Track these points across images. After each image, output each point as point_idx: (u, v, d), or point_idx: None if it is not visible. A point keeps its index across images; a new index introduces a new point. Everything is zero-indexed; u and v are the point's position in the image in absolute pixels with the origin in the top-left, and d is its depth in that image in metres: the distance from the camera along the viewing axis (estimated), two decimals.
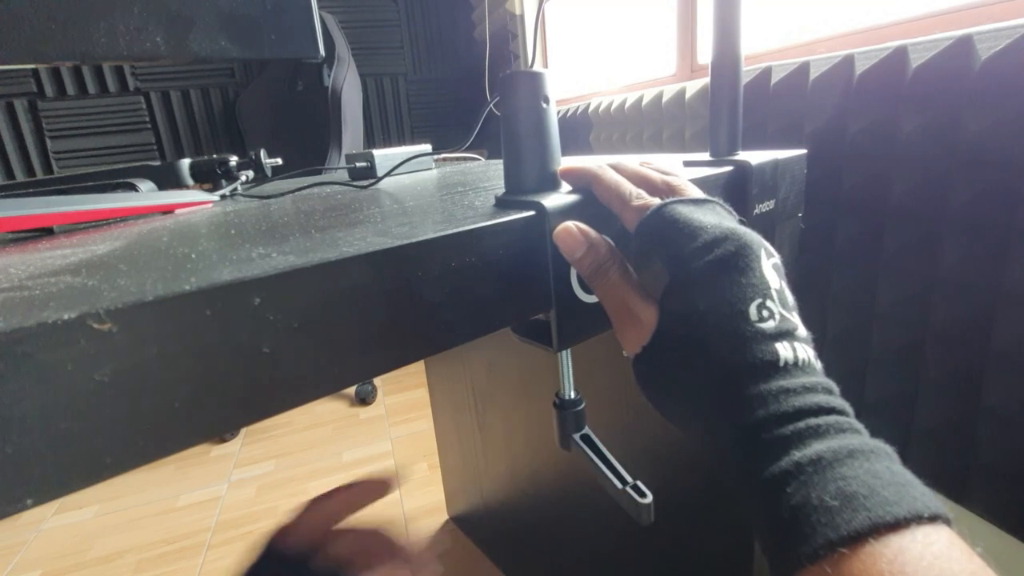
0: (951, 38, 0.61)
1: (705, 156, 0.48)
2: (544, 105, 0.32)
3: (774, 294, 0.24)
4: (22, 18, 0.35)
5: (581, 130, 1.52)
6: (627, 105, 1.26)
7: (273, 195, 0.56)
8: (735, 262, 0.25)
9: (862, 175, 0.73)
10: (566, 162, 0.34)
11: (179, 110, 2.09)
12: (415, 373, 1.95)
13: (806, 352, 0.23)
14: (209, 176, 0.63)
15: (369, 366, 0.24)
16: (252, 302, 0.20)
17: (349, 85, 1.69)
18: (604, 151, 1.42)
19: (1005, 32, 0.57)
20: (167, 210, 0.48)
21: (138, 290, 0.19)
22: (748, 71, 0.88)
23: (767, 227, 0.46)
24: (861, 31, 0.86)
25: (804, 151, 0.49)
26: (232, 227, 0.35)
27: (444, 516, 1.24)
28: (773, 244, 0.27)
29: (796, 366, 0.23)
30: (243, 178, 0.64)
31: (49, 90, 1.92)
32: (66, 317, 0.17)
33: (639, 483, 0.34)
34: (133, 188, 0.53)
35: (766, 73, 0.86)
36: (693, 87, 1.05)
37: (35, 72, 1.89)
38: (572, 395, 0.38)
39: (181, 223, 0.40)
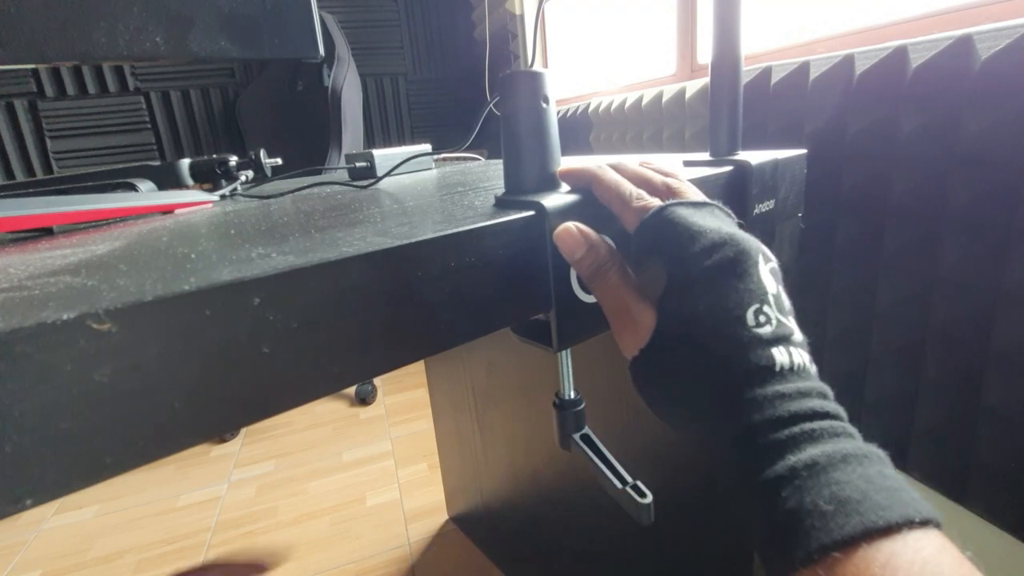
0: (951, 38, 0.61)
1: (705, 156, 0.48)
2: (544, 105, 0.32)
3: (771, 299, 0.25)
4: (22, 18, 0.35)
5: (581, 130, 1.52)
6: (627, 105, 1.26)
7: (273, 195, 0.56)
8: (733, 267, 0.25)
9: (862, 175, 0.73)
10: (566, 162, 0.34)
11: (179, 110, 2.09)
12: (415, 373, 1.95)
13: (801, 357, 0.24)
14: (209, 176, 0.63)
15: (369, 366, 0.24)
16: (252, 302, 0.20)
17: (349, 85, 1.69)
18: (604, 151, 1.42)
19: (1005, 32, 0.57)
20: (167, 210, 0.48)
21: (138, 290, 0.19)
22: (748, 71, 0.88)
23: (767, 227, 0.46)
24: (861, 31, 0.86)
25: (804, 151, 0.49)
26: (232, 227, 0.35)
27: (444, 516, 1.24)
28: (773, 244, 0.27)
29: (792, 371, 0.23)
30: (243, 178, 0.64)
31: (49, 90, 1.92)
32: (65, 317, 0.17)
33: (639, 483, 0.34)
34: (133, 188, 0.53)
35: (766, 73, 0.86)
36: (693, 87, 1.05)
37: (35, 72, 1.89)
38: (572, 395, 0.38)
39: (181, 223, 0.40)
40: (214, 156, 0.63)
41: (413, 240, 0.25)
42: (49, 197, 0.40)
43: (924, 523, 0.18)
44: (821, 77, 0.76)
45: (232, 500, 1.37)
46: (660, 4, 1.35)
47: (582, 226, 0.29)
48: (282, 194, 0.57)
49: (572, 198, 0.31)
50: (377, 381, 1.95)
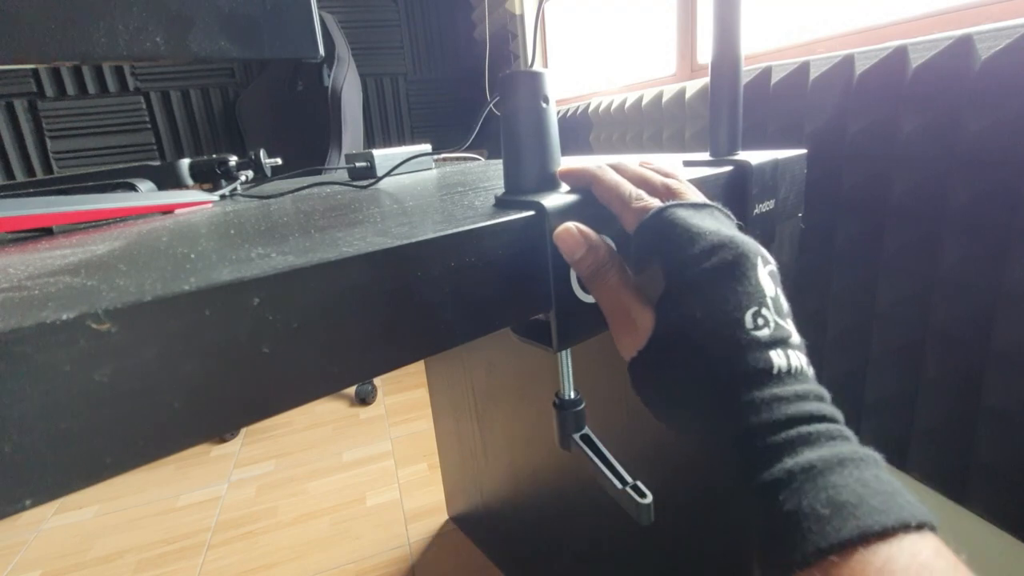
0: (951, 38, 0.61)
1: (705, 156, 0.48)
2: (544, 105, 0.32)
3: (769, 302, 0.25)
4: (22, 18, 0.35)
5: (581, 130, 1.52)
6: (627, 105, 1.26)
7: (273, 195, 0.56)
8: (732, 270, 0.25)
9: (862, 175, 0.73)
10: (566, 162, 0.34)
11: (179, 110, 2.09)
12: (415, 373, 1.95)
13: (799, 359, 0.24)
14: (209, 176, 0.63)
15: (369, 366, 0.24)
16: (251, 302, 0.20)
17: (349, 85, 1.69)
18: (604, 151, 1.42)
19: (1005, 32, 0.57)
20: (167, 210, 0.48)
21: (137, 290, 0.19)
22: (748, 71, 0.88)
23: (767, 227, 0.46)
24: (861, 31, 0.86)
25: (804, 151, 0.49)
26: (232, 227, 0.35)
27: (444, 516, 1.24)
28: (773, 244, 0.27)
29: (789, 374, 0.23)
30: (243, 178, 0.64)
31: (49, 90, 1.92)
32: (65, 317, 0.17)
33: (639, 483, 0.34)
34: (133, 188, 0.53)
35: (766, 73, 0.86)
36: (693, 87, 1.05)
37: (35, 72, 1.89)
38: (572, 395, 0.38)
39: (181, 223, 0.40)
40: (214, 156, 0.63)
41: (413, 240, 0.25)
42: (49, 197, 0.40)
43: (920, 527, 0.18)
44: (821, 77, 0.76)
45: (232, 500, 1.37)
46: (660, 4, 1.35)
47: (582, 226, 0.29)
48: (282, 194, 0.57)
49: (572, 198, 0.31)
50: (377, 381, 1.95)
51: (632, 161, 0.34)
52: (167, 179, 0.60)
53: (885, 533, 0.18)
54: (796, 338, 0.25)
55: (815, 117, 0.78)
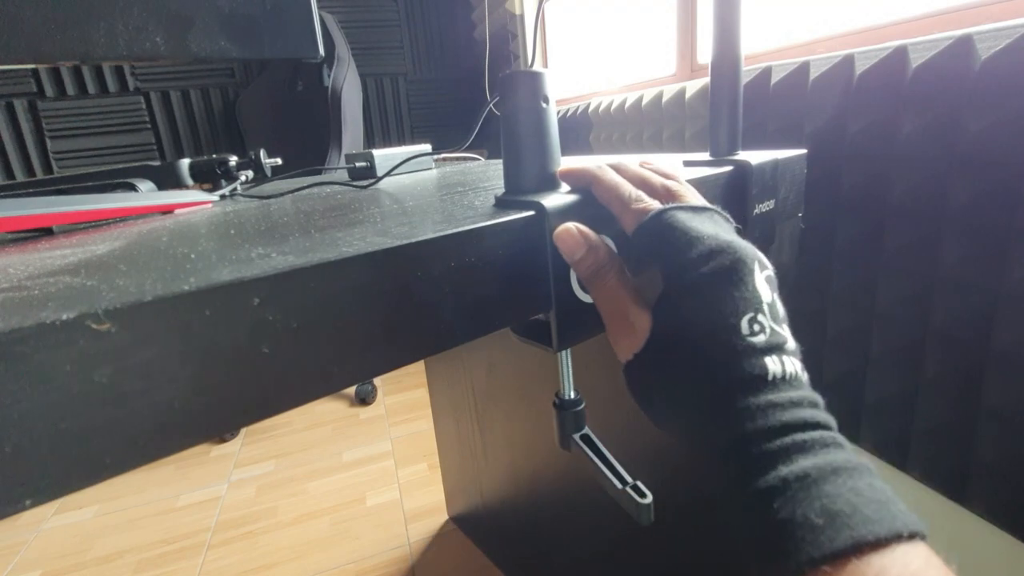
0: (951, 38, 0.61)
1: (705, 156, 0.48)
2: (544, 105, 0.32)
3: (766, 308, 0.25)
4: (22, 18, 0.35)
5: (581, 130, 1.52)
6: (627, 105, 1.26)
7: (273, 195, 0.56)
8: (729, 275, 0.25)
9: (862, 175, 0.73)
10: (566, 162, 0.34)
11: (179, 110, 2.09)
12: (415, 373, 1.95)
13: (794, 365, 0.24)
14: (209, 176, 0.63)
15: (369, 366, 0.24)
16: (251, 302, 0.20)
17: (349, 85, 1.69)
18: (604, 151, 1.42)
19: (1005, 32, 0.57)
20: (167, 210, 0.48)
21: (137, 290, 0.19)
22: (748, 71, 0.88)
23: (767, 227, 0.46)
24: (861, 31, 0.86)
25: (804, 151, 0.49)
26: (232, 227, 0.35)
27: (444, 516, 1.24)
28: (773, 244, 0.27)
29: (784, 380, 0.23)
30: (243, 178, 0.64)
31: (49, 90, 1.92)
32: (65, 317, 0.17)
33: (639, 483, 0.34)
34: (133, 188, 0.53)
35: (766, 73, 0.86)
36: (693, 87, 1.05)
37: (35, 72, 1.89)
38: (572, 395, 0.38)
39: (181, 223, 0.40)
40: (214, 156, 0.63)
41: (413, 240, 0.25)
42: (49, 197, 0.40)
43: (912, 536, 0.19)
44: (821, 77, 0.76)
45: (232, 500, 1.37)
46: (660, 4, 1.35)
47: (582, 227, 0.29)
48: (282, 194, 0.57)
49: (572, 198, 0.31)
50: (377, 381, 1.95)
51: (632, 161, 0.34)
52: (167, 179, 0.60)
53: (878, 543, 0.18)
54: (791, 343, 0.25)
55: (815, 117, 0.78)
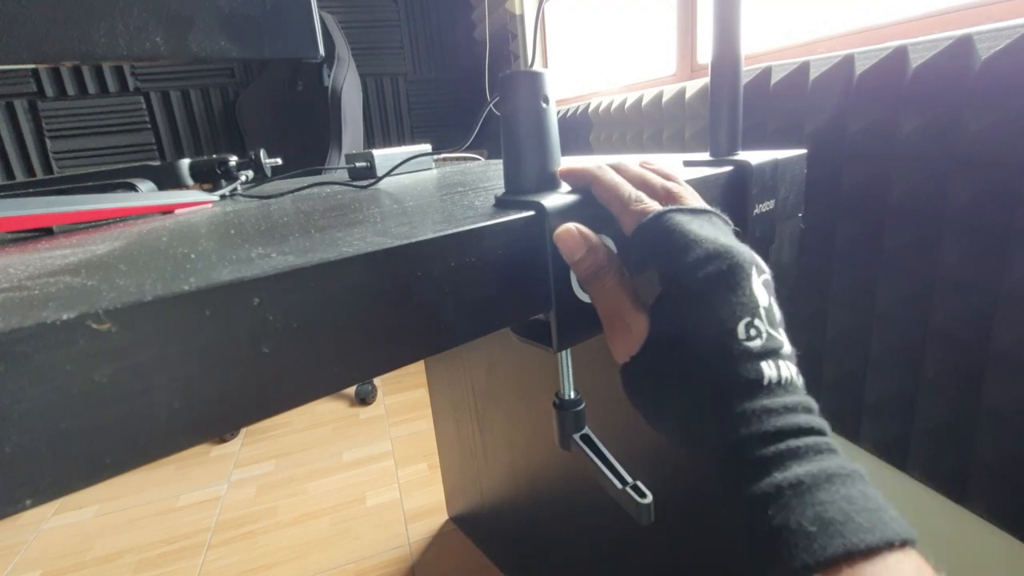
0: (951, 38, 0.61)
1: (705, 156, 0.48)
2: (544, 105, 0.32)
3: (762, 312, 0.25)
4: (22, 18, 0.35)
5: (581, 130, 1.52)
6: (627, 105, 1.26)
7: (273, 195, 0.56)
8: (726, 280, 0.25)
9: (862, 175, 0.73)
10: (566, 162, 0.34)
11: (179, 110, 2.09)
12: (415, 373, 1.95)
13: (789, 370, 0.24)
14: (209, 176, 0.63)
15: (369, 366, 0.24)
16: (251, 302, 0.20)
17: (349, 85, 1.69)
18: (604, 151, 1.42)
19: (1005, 32, 0.57)
20: (167, 210, 0.48)
21: (137, 290, 0.19)
22: (748, 71, 0.88)
23: (767, 227, 0.46)
24: (861, 31, 0.86)
25: (804, 151, 0.49)
26: (232, 227, 0.35)
27: (444, 516, 1.24)
28: (773, 244, 0.27)
29: (779, 385, 0.23)
30: (243, 178, 0.64)
31: (49, 90, 1.92)
32: (65, 317, 0.17)
33: (639, 483, 0.34)
34: (133, 188, 0.53)
35: (766, 73, 0.86)
36: (693, 87, 1.05)
37: (35, 72, 1.89)
38: (572, 395, 0.38)
39: (181, 223, 0.40)
40: (214, 156, 0.63)
41: (413, 240, 0.25)
42: (49, 197, 0.40)
43: (903, 544, 0.19)
44: (821, 77, 0.76)
45: (232, 500, 1.37)
46: (660, 4, 1.35)
47: (582, 227, 0.29)
48: (282, 194, 0.57)
49: (572, 198, 0.31)
50: (377, 381, 1.95)
51: (632, 161, 0.34)
52: (167, 179, 0.60)
53: (869, 552, 0.18)
54: (787, 348, 0.25)
55: (815, 117, 0.78)
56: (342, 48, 1.70)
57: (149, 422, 0.19)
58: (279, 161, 0.70)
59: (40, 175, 1.97)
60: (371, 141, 2.38)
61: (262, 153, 0.68)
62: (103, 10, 0.37)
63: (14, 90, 1.88)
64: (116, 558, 1.20)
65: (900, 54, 0.66)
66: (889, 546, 0.19)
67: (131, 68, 2.01)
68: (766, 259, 0.28)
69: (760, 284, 0.26)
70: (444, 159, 0.93)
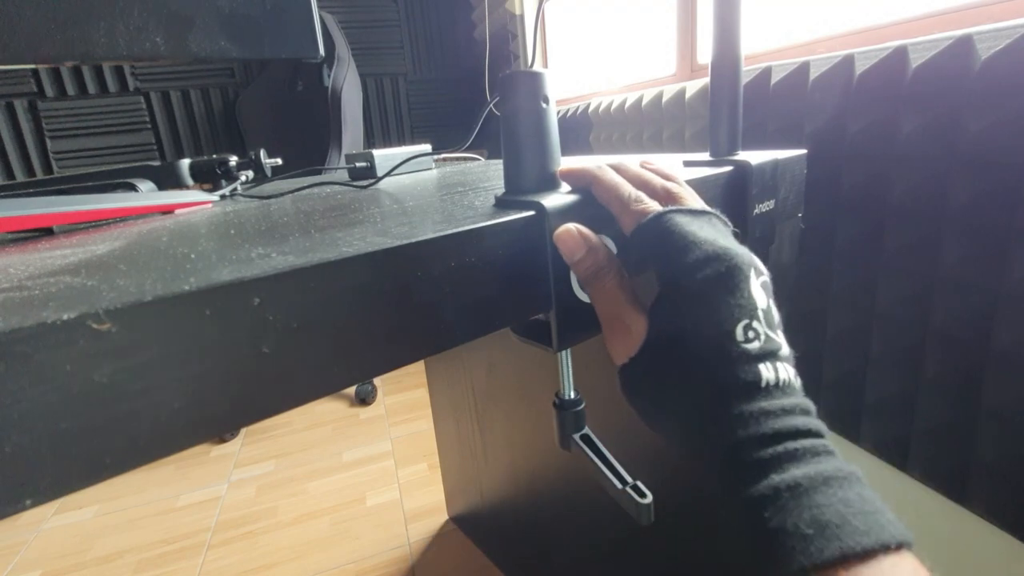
0: (951, 38, 0.61)
1: (705, 156, 0.48)
2: (544, 105, 0.32)
3: (760, 314, 0.25)
4: (22, 18, 0.35)
5: (581, 130, 1.52)
6: (627, 105, 1.26)
7: (273, 195, 0.56)
8: (725, 282, 0.25)
9: (862, 175, 0.73)
10: (566, 162, 0.34)
11: (179, 110, 2.09)
12: (415, 373, 1.95)
13: (787, 372, 0.24)
14: (209, 176, 0.63)
15: (369, 366, 0.24)
16: (252, 302, 0.20)
17: (349, 85, 1.69)
18: (604, 151, 1.42)
19: (1005, 32, 0.57)
20: (167, 210, 0.48)
21: (137, 290, 0.19)
22: (748, 71, 0.88)
23: (767, 227, 0.46)
24: (861, 31, 0.86)
25: (804, 151, 0.49)
26: (232, 227, 0.35)
27: (444, 516, 1.24)
28: (773, 244, 0.27)
29: (777, 387, 0.23)
30: (243, 178, 0.64)
31: (49, 90, 1.92)
32: (65, 317, 0.17)
33: (639, 483, 0.34)
34: (133, 188, 0.53)
35: (766, 73, 0.86)
36: (693, 87, 1.05)
37: (35, 72, 1.89)
38: (572, 395, 0.38)
39: (181, 223, 0.40)
40: (214, 156, 0.63)
41: (413, 240, 0.25)
42: (49, 197, 0.40)
43: (899, 547, 0.19)
44: (821, 77, 0.76)
45: (232, 500, 1.37)
46: (660, 4, 1.35)
47: (582, 228, 0.29)
48: (282, 194, 0.57)
49: (572, 198, 0.31)
50: (377, 381, 1.95)
51: (632, 161, 0.34)
52: (167, 179, 0.60)
53: (865, 555, 0.18)
54: (785, 350, 0.25)
55: (815, 117, 0.78)
56: (342, 48, 1.70)
57: (149, 422, 0.19)
58: (279, 161, 0.70)
59: (40, 175, 1.97)
60: (371, 141, 2.38)
61: (262, 153, 0.68)
62: (103, 10, 0.37)
63: (14, 90, 1.88)
64: (116, 558, 1.20)
65: (900, 54, 0.66)
66: (885, 549, 0.19)
67: (131, 68, 2.01)
68: (766, 259, 0.28)
69: (759, 286, 0.26)
70: (444, 159, 0.93)
